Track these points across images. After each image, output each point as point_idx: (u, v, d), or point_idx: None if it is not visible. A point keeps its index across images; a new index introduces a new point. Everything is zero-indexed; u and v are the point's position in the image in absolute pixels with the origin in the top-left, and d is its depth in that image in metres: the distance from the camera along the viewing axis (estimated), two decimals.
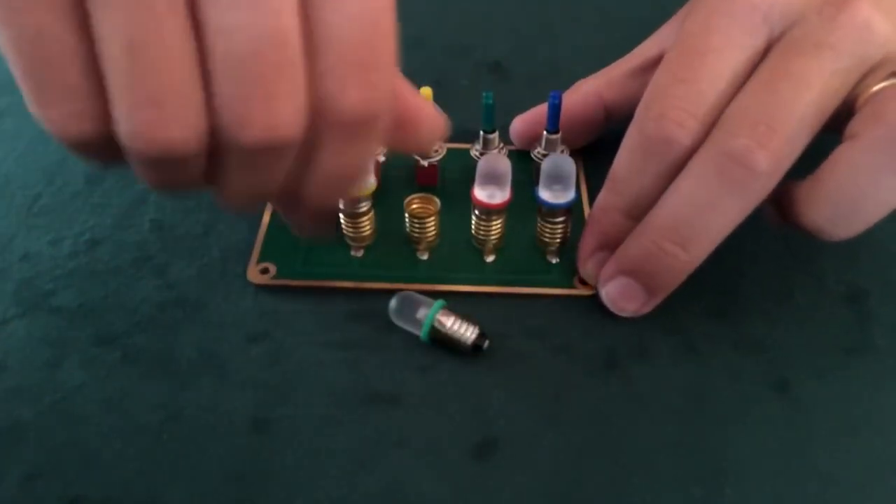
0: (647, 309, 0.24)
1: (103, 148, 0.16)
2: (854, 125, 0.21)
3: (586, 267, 0.24)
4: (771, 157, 0.20)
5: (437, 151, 0.28)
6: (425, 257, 0.26)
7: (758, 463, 0.21)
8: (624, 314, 0.24)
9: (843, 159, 0.21)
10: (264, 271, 0.25)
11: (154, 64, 0.15)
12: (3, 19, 0.15)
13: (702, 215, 0.21)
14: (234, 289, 0.25)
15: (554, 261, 0.26)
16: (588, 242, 0.24)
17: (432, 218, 0.25)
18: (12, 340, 0.24)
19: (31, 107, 0.16)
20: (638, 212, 0.23)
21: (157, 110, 0.15)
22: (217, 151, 0.17)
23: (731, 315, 0.25)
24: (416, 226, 0.25)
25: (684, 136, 0.22)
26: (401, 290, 0.25)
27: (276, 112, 0.16)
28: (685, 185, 0.22)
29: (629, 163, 0.23)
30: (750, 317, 0.24)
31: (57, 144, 0.32)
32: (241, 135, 0.16)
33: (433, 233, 0.25)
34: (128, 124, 0.15)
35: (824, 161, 0.21)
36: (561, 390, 0.22)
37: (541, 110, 0.29)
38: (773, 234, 0.27)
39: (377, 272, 0.25)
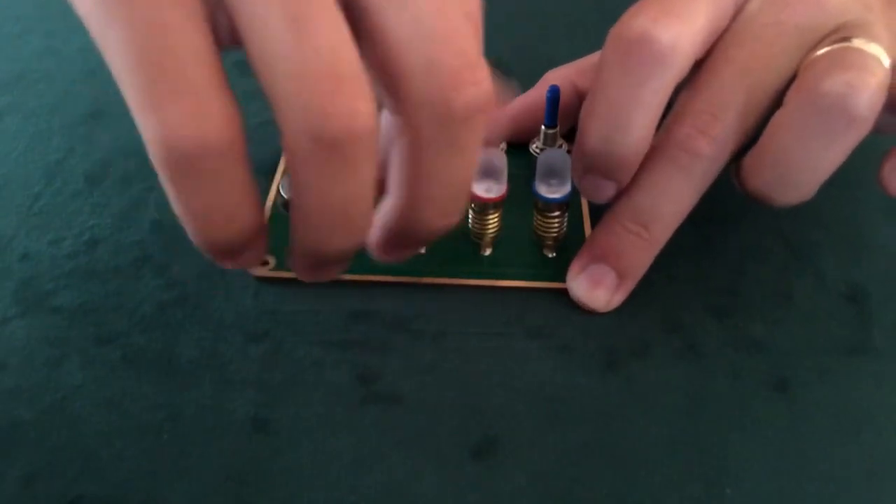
0: (617, 299, 0.24)
1: (218, 159, 0.15)
2: (787, 94, 0.22)
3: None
4: (712, 142, 0.22)
5: None
6: (423, 251, 0.26)
7: (758, 463, 0.21)
8: (595, 306, 0.24)
9: (773, 127, 0.22)
10: (264, 264, 0.25)
11: (317, 37, 0.15)
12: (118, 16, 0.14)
13: (656, 198, 0.23)
14: (234, 289, 0.25)
15: (551, 255, 0.26)
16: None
17: None
18: (12, 340, 0.24)
19: (140, 111, 0.15)
20: None
21: (334, 83, 0.15)
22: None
23: (731, 315, 0.24)
24: None
25: None
26: (398, 283, 0.25)
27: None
28: (641, 171, 0.23)
29: None
30: (750, 317, 0.24)
31: (57, 144, 0.32)
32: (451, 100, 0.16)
33: None
34: (302, 103, 0.15)
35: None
36: (561, 390, 0.22)
37: (518, 103, 0.29)
38: (774, 234, 0.27)
39: (375, 265, 0.25)
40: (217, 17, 0.15)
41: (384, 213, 0.19)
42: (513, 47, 0.36)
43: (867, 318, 0.24)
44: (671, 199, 0.23)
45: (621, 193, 0.24)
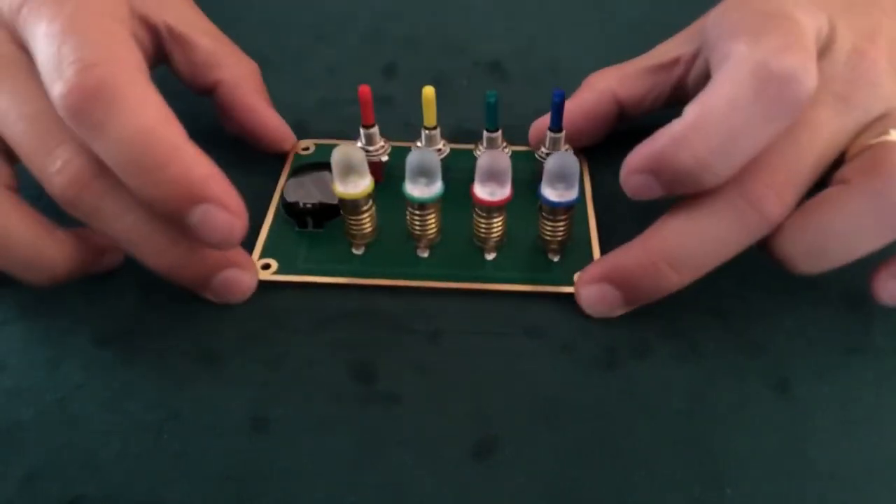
0: (619, 313, 0.24)
1: None
2: (846, 172, 0.22)
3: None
4: (784, 207, 0.21)
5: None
6: (426, 255, 0.26)
7: (758, 463, 0.21)
8: (595, 316, 0.24)
9: (832, 201, 0.21)
10: (265, 267, 0.25)
11: None
12: None
13: (704, 246, 0.22)
14: None
15: (555, 259, 0.26)
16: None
17: (432, 215, 0.25)
18: (12, 340, 0.24)
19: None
20: None
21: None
22: None
23: (731, 315, 0.25)
24: (417, 222, 0.25)
25: None
26: (401, 287, 0.25)
27: None
28: (698, 214, 0.22)
29: None
30: (750, 317, 0.24)
31: None
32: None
33: (434, 230, 0.26)
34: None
35: (811, 198, 0.22)
36: (561, 390, 0.22)
37: (573, 110, 0.28)
38: None
39: (378, 269, 0.25)
40: None
41: None
42: (514, 48, 0.37)
43: (867, 319, 0.24)
44: (717, 251, 0.22)
45: (667, 222, 0.23)
